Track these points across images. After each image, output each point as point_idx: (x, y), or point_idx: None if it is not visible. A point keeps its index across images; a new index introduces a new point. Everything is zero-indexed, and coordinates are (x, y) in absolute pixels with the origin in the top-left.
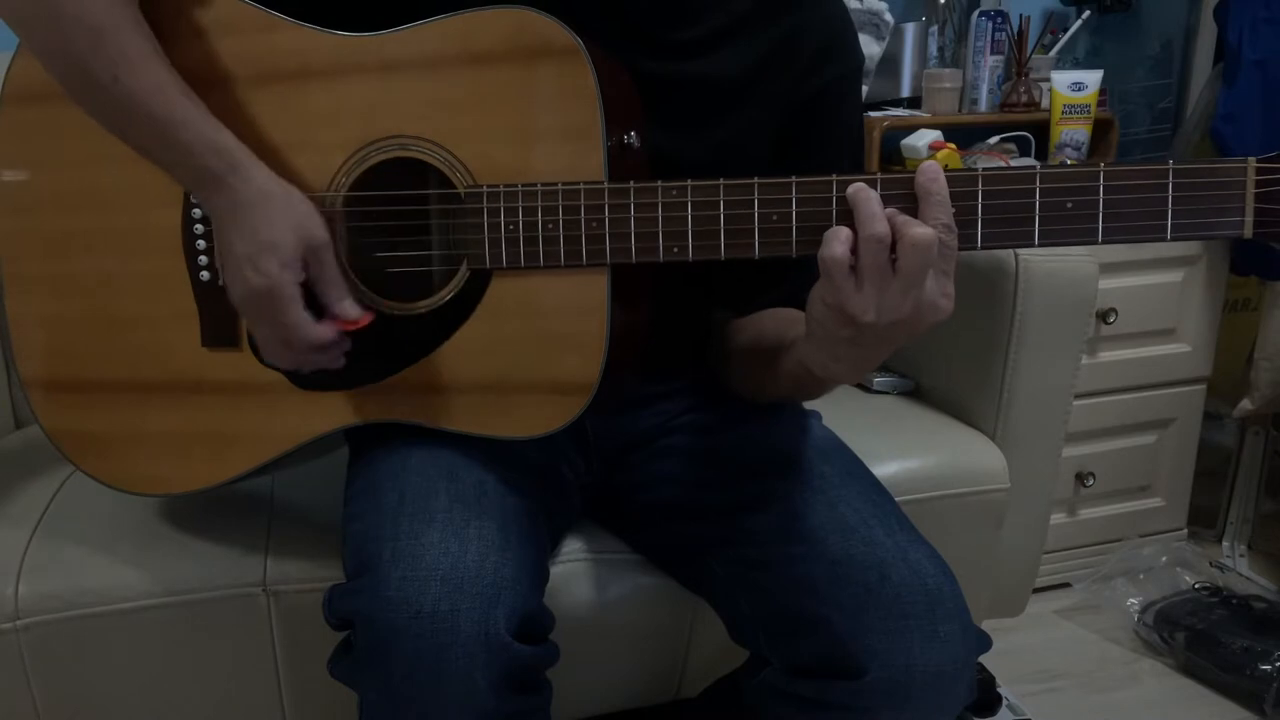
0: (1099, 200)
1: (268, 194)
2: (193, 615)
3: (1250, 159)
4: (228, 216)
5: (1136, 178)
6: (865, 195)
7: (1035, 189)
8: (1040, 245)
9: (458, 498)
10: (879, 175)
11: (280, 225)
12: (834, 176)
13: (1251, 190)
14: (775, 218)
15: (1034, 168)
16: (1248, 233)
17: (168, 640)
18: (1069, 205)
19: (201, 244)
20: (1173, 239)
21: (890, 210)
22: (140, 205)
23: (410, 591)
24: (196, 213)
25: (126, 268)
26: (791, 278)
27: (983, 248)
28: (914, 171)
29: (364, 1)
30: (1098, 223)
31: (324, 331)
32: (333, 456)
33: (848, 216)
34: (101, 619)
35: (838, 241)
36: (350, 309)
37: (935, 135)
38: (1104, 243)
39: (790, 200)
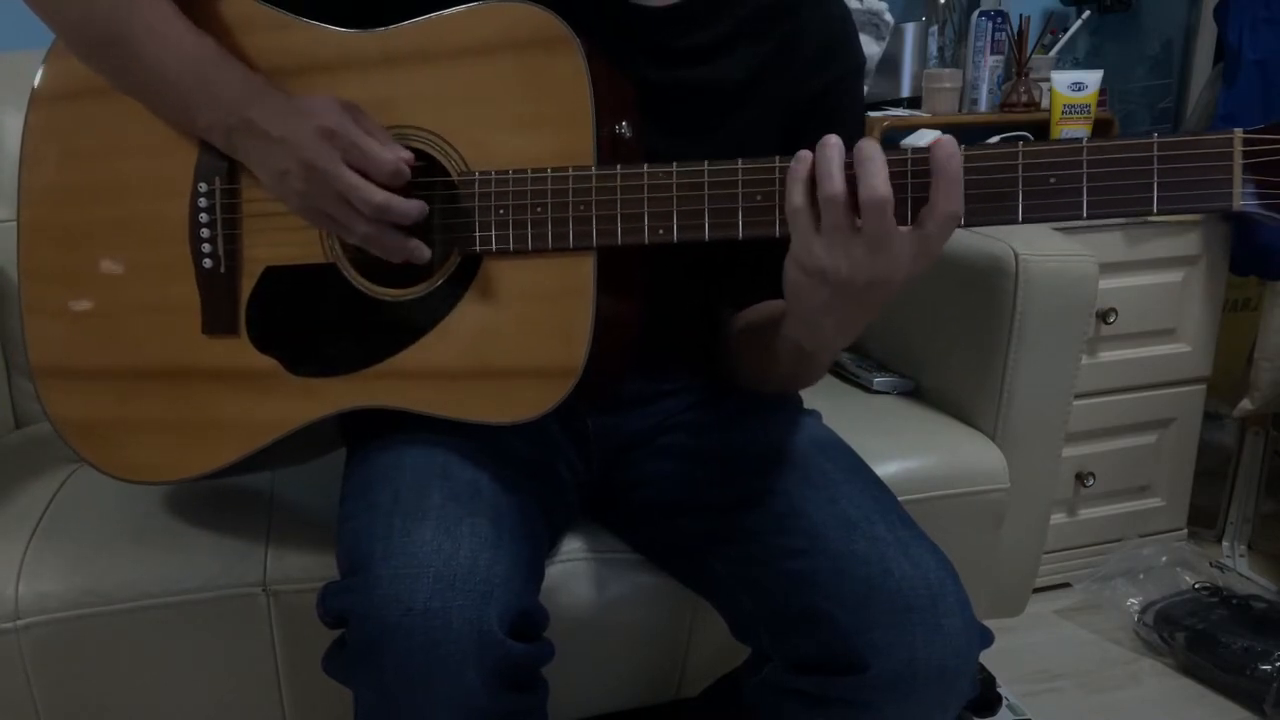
0: (1082, 175)
1: (290, 104)
2: (193, 615)
3: (1237, 130)
4: (261, 135)
5: (1120, 152)
6: (826, 151)
7: (1018, 164)
8: (1024, 221)
9: (451, 495)
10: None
11: (302, 120)
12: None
13: (1239, 162)
14: (759, 197)
15: (1016, 144)
16: (1236, 204)
17: (168, 640)
18: (1052, 180)
19: (205, 232)
20: (1159, 213)
21: (850, 161)
22: (151, 196)
23: (401, 589)
24: (202, 202)
25: (136, 257)
26: None
27: (966, 226)
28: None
29: (372, 1)
30: (1082, 197)
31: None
32: (332, 456)
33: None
34: (101, 619)
35: (796, 191)
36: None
37: (935, 135)
38: (1090, 218)
39: (774, 180)
